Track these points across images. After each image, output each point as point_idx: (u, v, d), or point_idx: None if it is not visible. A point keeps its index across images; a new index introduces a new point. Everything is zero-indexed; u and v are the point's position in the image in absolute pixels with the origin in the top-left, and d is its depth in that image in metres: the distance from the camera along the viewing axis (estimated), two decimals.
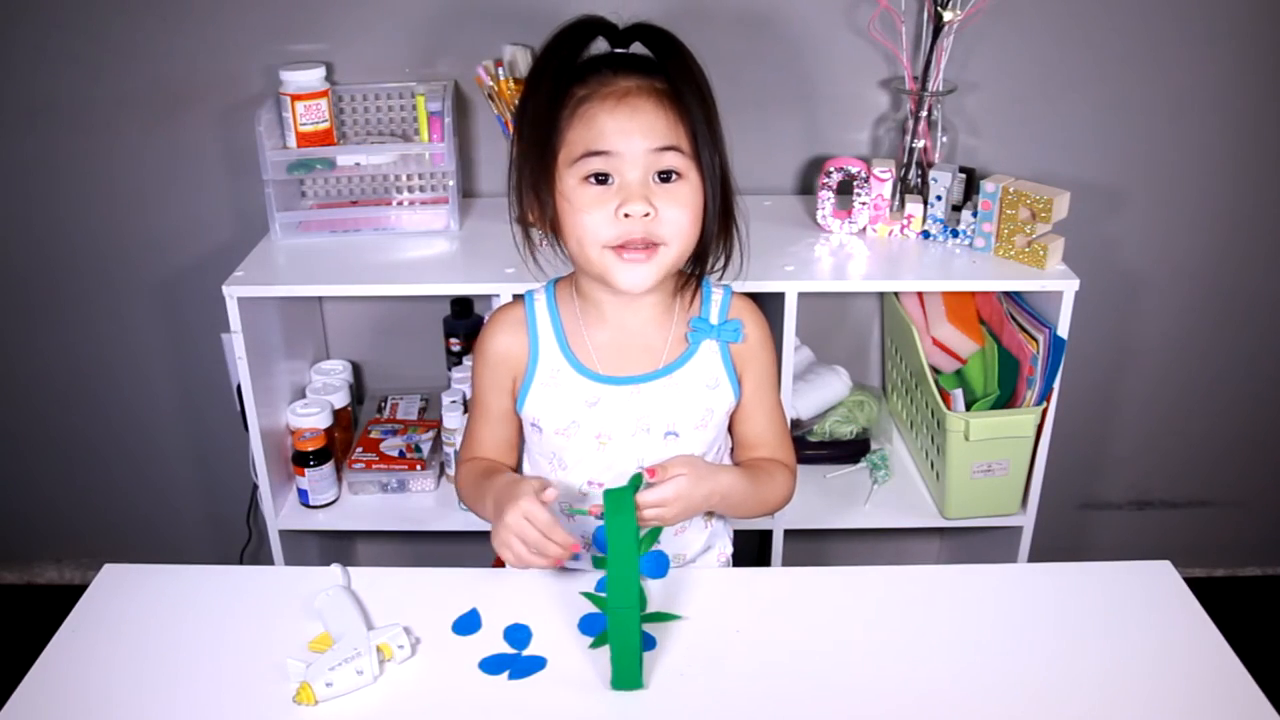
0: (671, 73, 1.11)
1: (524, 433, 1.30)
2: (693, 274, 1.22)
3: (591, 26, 1.12)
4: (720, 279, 1.24)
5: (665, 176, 1.11)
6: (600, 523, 1.05)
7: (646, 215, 1.09)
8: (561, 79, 1.11)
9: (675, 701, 1.03)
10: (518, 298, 1.31)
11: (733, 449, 1.34)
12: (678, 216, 1.12)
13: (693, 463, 1.16)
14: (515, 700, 1.03)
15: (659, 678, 1.06)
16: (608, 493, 1.05)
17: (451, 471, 1.85)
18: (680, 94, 1.10)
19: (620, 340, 1.23)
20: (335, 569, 1.19)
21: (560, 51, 1.12)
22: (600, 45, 1.15)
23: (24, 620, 2.16)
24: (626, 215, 1.09)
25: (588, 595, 1.12)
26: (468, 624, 1.12)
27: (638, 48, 1.14)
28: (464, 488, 1.30)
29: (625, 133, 1.08)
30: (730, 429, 1.32)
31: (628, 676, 1.01)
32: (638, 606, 1.00)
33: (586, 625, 1.10)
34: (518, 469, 1.33)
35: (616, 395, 1.22)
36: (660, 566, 1.13)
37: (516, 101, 1.23)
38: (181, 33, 1.84)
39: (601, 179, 1.10)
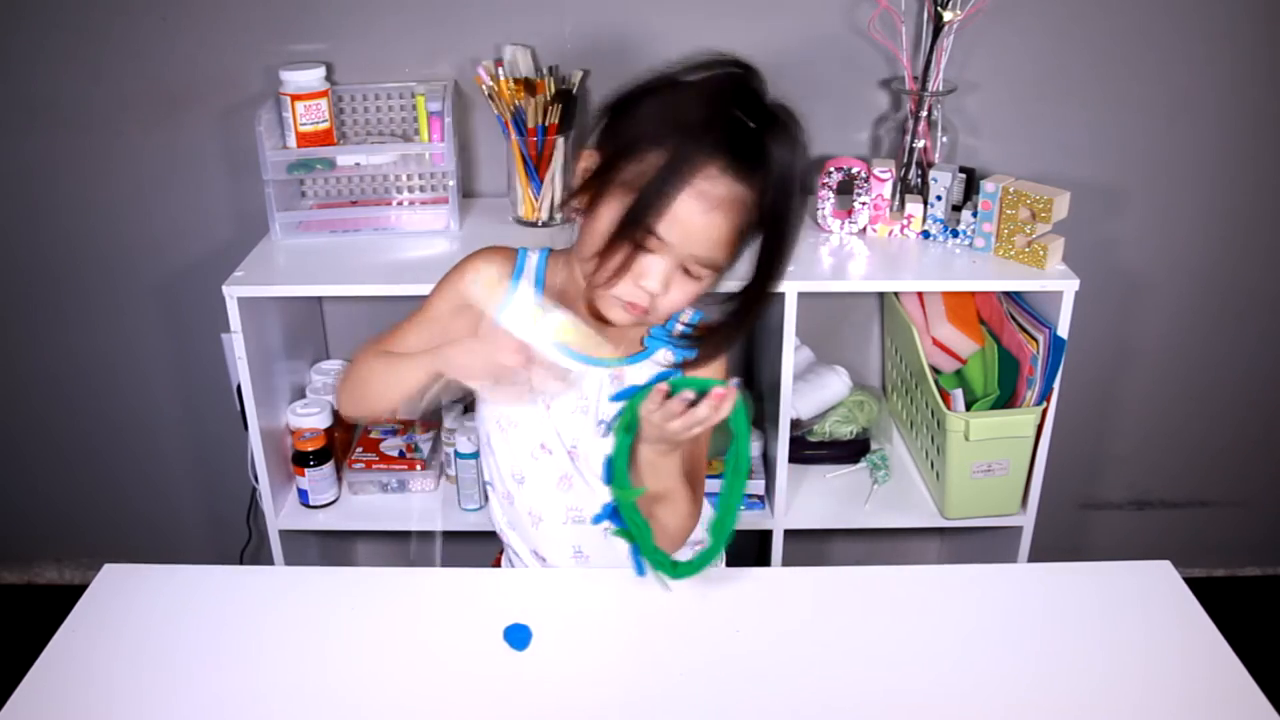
0: (764, 195, 1.09)
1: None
2: None
3: (738, 95, 1.09)
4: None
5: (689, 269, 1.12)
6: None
7: (655, 294, 1.12)
8: (690, 145, 1.07)
9: (675, 701, 1.03)
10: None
11: None
12: (678, 303, 1.14)
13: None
14: (520, 693, 1.03)
15: (660, 677, 1.06)
16: (737, 408, 1.08)
17: (451, 471, 1.85)
18: (759, 221, 1.10)
19: (586, 322, 1.22)
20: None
21: (707, 118, 1.08)
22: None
23: (24, 620, 2.16)
24: (640, 285, 1.12)
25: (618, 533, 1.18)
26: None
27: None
28: (368, 362, 1.23)
29: (689, 235, 1.08)
30: None
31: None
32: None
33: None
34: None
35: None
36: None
37: (612, 102, 1.17)
38: (182, 33, 1.84)
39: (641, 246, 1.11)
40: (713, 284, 1.15)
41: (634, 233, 1.09)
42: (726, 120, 1.07)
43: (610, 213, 1.10)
